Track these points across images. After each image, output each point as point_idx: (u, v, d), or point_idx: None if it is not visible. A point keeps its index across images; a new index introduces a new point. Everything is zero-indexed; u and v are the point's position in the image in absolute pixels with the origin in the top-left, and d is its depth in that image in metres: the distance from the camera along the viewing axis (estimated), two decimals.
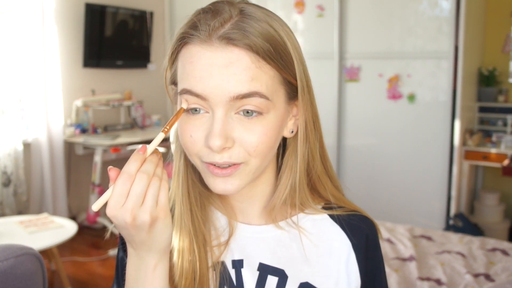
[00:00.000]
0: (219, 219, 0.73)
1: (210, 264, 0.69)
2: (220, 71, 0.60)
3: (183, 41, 0.64)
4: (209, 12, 0.63)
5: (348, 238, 0.73)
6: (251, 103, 0.61)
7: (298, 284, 0.70)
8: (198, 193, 0.72)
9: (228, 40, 0.60)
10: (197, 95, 0.61)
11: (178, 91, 0.64)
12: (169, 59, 0.67)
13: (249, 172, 0.64)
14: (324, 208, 0.75)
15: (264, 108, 0.62)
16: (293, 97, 0.67)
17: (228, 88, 0.60)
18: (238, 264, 0.70)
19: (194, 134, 0.63)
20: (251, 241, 0.72)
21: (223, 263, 0.70)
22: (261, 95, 0.61)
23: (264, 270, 0.70)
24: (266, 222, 0.73)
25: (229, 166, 0.63)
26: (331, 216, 0.74)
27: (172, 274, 0.69)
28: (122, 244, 0.73)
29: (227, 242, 0.70)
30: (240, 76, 0.60)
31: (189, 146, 0.64)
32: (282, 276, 0.70)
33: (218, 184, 0.64)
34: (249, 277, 0.70)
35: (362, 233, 0.74)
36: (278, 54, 0.63)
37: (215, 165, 0.63)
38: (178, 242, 0.69)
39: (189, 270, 0.67)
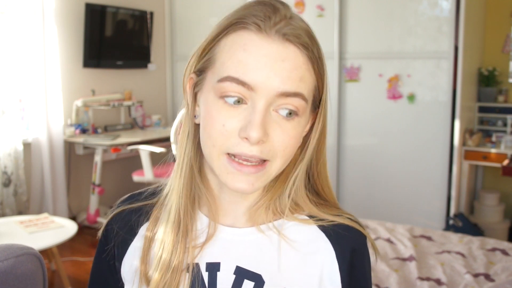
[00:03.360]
0: (201, 219, 0.71)
1: (184, 265, 0.68)
2: (273, 64, 0.60)
3: (238, 25, 0.62)
4: (268, 6, 0.63)
5: (332, 247, 0.71)
6: (293, 103, 0.61)
7: None
8: (194, 188, 0.71)
9: (285, 35, 0.61)
10: (243, 84, 0.60)
11: (217, 79, 0.62)
12: (207, 44, 0.65)
13: (270, 174, 0.64)
14: (309, 216, 0.72)
15: (301, 111, 0.63)
16: (312, 108, 0.68)
17: (276, 83, 0.60)
18: (213, 267, 0.69)
19: (228, 123, 0.61)
20: (231, 244, 0.70)
21: (196, 265, 0.68)
22: (303, 98, 0.62)
23: (241, 274, 0.69)
24: (250, 225, 0.71)
25: (256, 164, 0.62)
26: (319, 225, 0.72)
27: (148, 264, 0.70)
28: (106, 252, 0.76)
29: (203, 245, 0.69)
30: (290, 73, 0.60)
31: (217, 135, 0.62)
32: (258, 281, 0.68)
33: (238, 182, 0.63)
34: (225, 280, 0.68)
35: (348, 244, 0.71)
36: (320, 61, 0.65)
37: (240, 159, 0.62)
38: (163, 233, 0.69)
39: (164, 264, 0.67)
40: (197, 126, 0.69)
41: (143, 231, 0.73)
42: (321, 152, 0.72)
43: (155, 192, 0.76)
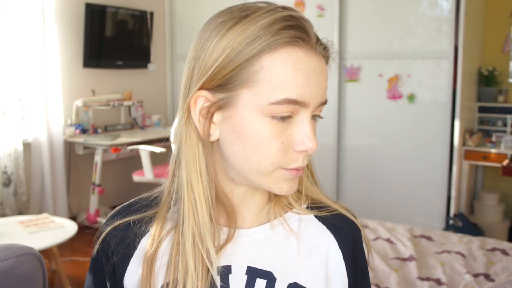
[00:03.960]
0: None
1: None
2: (318, 78, 0.63)
3: (280, 42, 0.60)
4: (297, 18, 0.63)
5: (334, 238, 0.73)
6: (321, 109, 0.66)
7: (286, 285, 0.69)
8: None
9: (319, 50, 0.64)
10: (299, 103, 0.62)
11: (271, 101, 0.60)
12: (242, 62, 0.61)
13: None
14: (310, 207, 0.75)
15: None
16: None
17: (320, 95, 0.64)
18: (224, 271, 0.69)
19: (286, 140, 0.63)
20: (240, 245, 0.70)
21: (208, 271, 0.68)
22: (326, 103, 0.67)
23: (253, 274, 0.69)
24: (257, 223, 0.72)
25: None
26: (317, 216, 0.75)
27: (154, 275, 0.69)
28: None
29: (220, 249, 0.69)
30: (325, 84, 0.65)
31: (277, 154, 0.63)
32: (270, 279, 0.69)
33: (291, 186, 0.67)
34: (237, 282, 0.69)
35: (347, 234, 0.74)
36: None
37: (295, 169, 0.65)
38: (187, 245, 0.67)
39: (195, 277, 0.66)
40: (210, 143, 0.67)
41: (144, 243, 0.72)
42: None
43: (151, 203, 0.74)
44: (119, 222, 0.74)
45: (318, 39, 0.64)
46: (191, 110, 0.66)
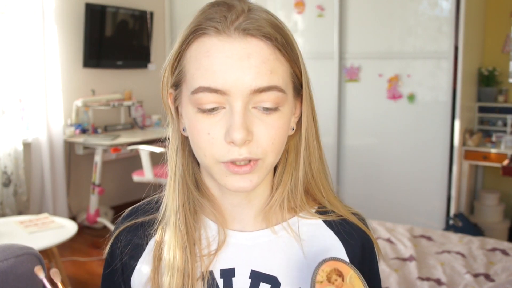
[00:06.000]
0: (211, 227, 0.71)
1: (199, 274, 0.68)
2: (240, 63, 0.59)
3: (197, 33, 0.62)
4: (222, 5, 0.62)
5: (342, 244, 0.72)
6: (270, 97, 0.61)
7: None
8: (192, 200, 0.70)
9: (245, 31, 0.60)
10: (216, 91, 0.60)
11: (191, 91, 0.62)
12: (174, 59, 0.65)
13: (265, 168, 0.64)
14: (318, 212, 0.73)
15: (280, 102, 0.62)
16: (295, 93, 0.68)
17: (248, 81, 0.59)
18: (228, 273, 0.69)
19: (213, 131, 0.61)
20: (243, 248, 0.70)
21: (210, 273, 0.68)
22: (279, 89, 0.61)
23: (256, 278, 0.69)
24: (260, 227, 0.71)
25: (248, 163, 0.62)
26: (325, 221, 0.73)
27: (160, 274, 0.69)
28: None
29: (216, 252, 0.69)
30: (259, 68, 0.60)
31: (206, 145, 0.62)
32: (274, 283, 0.68)
33: (237, 182, 0.62)
34: (240, 285, 0.68)
35: (356, 240, 0.73)
36: (289, 46, 0.63)
37: (234, 163, 0.61)
38: (171, 246, 0.68)
39: (179, 279, 0.66)
40: (186, 138, 0.69)
41: (152, 244, 0.72)
42: (315, 138, 0.71)
43: (158, 203, 0.75)
44: (128, 224, 0.75)
45: (247, 21, 0.60)
46: (170, 106, 0.69)
